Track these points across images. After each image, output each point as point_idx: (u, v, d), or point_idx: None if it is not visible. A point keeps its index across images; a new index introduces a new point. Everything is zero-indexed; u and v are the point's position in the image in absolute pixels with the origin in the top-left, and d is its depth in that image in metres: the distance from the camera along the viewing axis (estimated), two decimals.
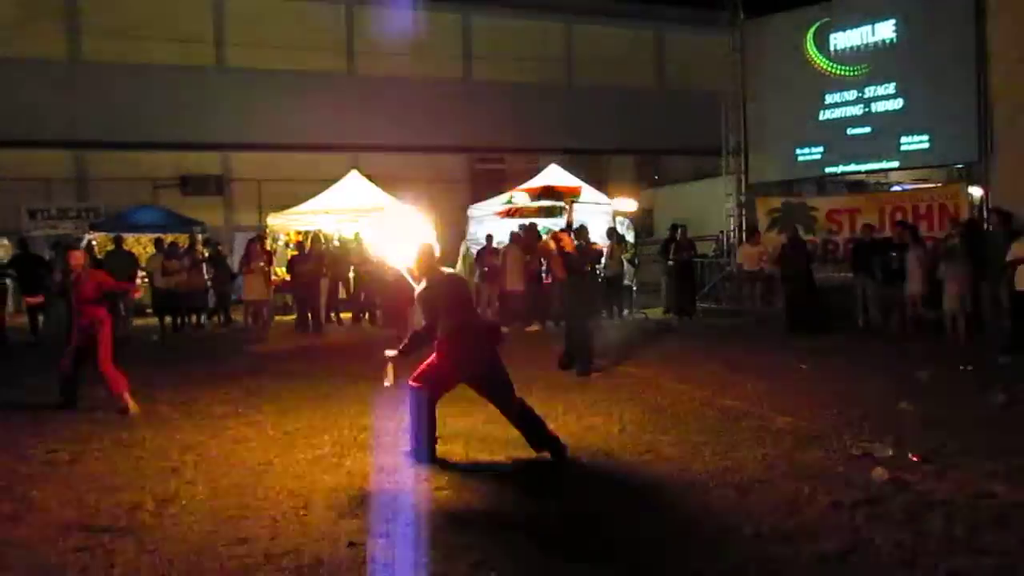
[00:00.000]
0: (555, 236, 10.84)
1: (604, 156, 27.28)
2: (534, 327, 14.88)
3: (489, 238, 16.50)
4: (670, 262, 16.90)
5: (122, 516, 4.94)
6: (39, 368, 10.89)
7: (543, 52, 26.74)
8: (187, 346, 14.23)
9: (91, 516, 4.93)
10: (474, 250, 16.96)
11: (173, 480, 5.69)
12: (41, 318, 14.93)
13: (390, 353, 6.19)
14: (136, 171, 22.22)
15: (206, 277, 16.43)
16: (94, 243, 16.63)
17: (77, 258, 8.51)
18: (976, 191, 15.55)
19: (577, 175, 18.68)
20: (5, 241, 17.44)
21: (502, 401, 6.04)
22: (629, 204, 17.97)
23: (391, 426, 6.84)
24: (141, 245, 18.15)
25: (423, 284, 6.21)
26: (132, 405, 7.91)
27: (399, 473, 5.75)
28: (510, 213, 17.37)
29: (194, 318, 15.97)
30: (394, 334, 13.22)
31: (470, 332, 6.03)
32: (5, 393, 9.28)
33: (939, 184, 18.09)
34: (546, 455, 5.97)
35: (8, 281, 14.86)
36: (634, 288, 17.48)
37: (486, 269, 15.86)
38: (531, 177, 18.79)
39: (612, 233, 16.39)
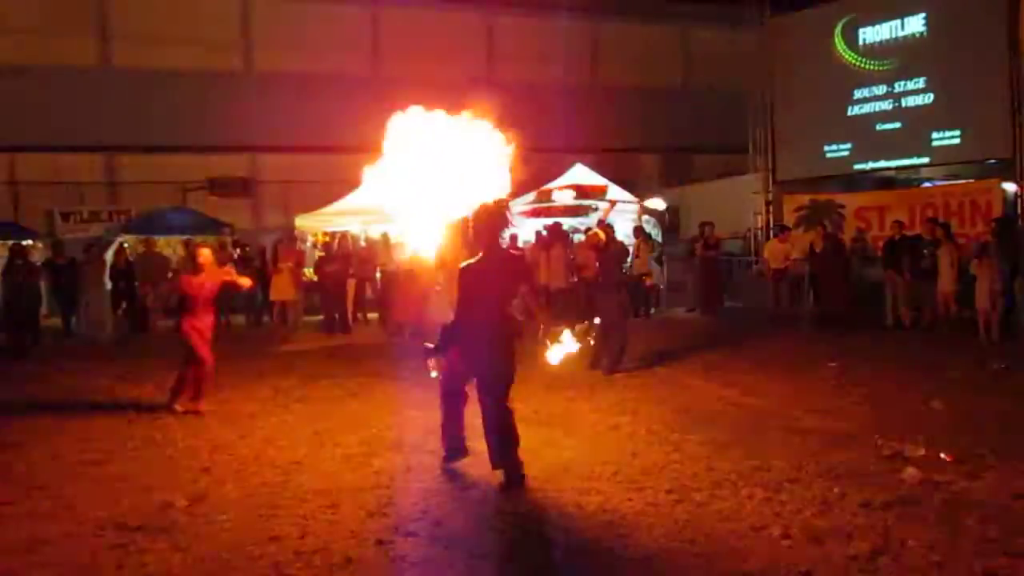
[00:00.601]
0: (604, 228, 10.88)
1: (630, 155, 27.17)
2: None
3: (514, 237, 16.47)
4: (695, 260, 16.80)
5: (154, 515, 5.00)
6: (72, 367, 11.07)
7: (568, 51, 26.66)
8: (216, 347, 14.33)
9: (124, 515, 5.00)
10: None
11: (204, 479, 5.76)
12: (73, 319, 15.15)
13: (429, 346, 5.59)
14: (165, 174, 22.44)
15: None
16: (126, 245, 16.81)
17: (207, 256, 8.21)
18: (1010, 187, 15.31)
19: (603, 174, 18.63)
20: (39, 244, 17.68)
21: (494, 401, 5.39)
22: (658, 203, 17.89)
23: (418, 425, 6.87)
24: (171, 247, 18.33)
25: (475, 258, 5.36)
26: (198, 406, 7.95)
27: (427, 472, 5.78)
28: (536, 212, 17.37)
29: (223, 319, 16.06)
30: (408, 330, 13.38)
31: (506, 327, 5.41)
32: (39, 391, 9.41)
33: (971, 180, 17.85)
34: (499, 476, 5.40)
35: (42, 283, 15.11)
36: (660, 287, 17.39)
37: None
38: (557, 177, 18.78)
39: (639, 232, 16.34)
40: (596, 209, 16.73)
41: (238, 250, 17.44)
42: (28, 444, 6.91)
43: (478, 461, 5.80)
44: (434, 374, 5.60)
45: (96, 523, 4.88)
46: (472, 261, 5.32)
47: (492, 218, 5.31)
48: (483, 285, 5.30)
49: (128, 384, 8.31)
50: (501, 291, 5.37)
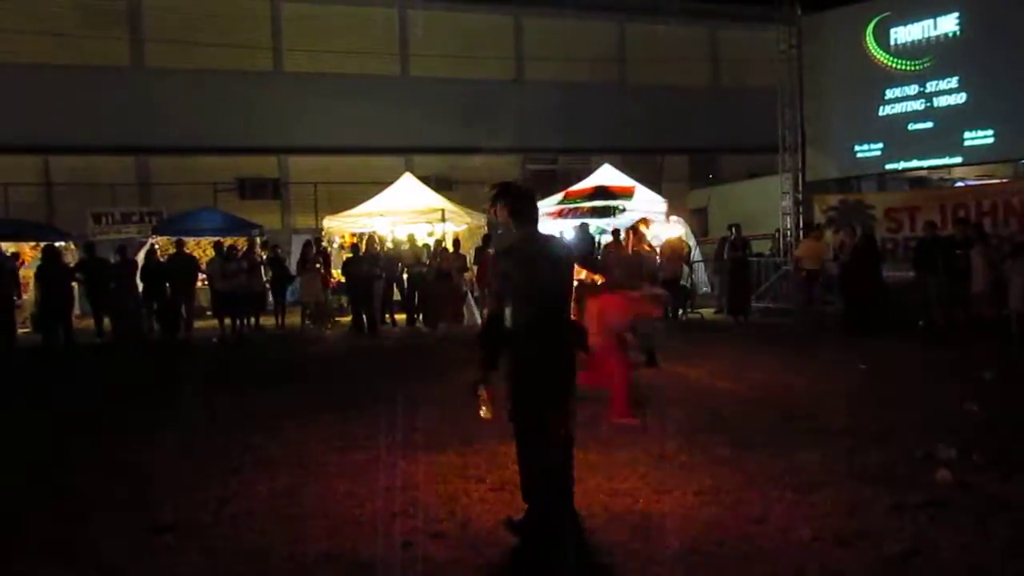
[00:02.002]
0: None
1: (657, 156, 27.09)
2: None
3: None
4: (724, 260, 16.69)
5: (184, 516, 5.04)
6: (106, 370, 11.21)
7: (595, 52, 26.65)
8: (246, 348, 14.50)
9: (154, 516, 5.03)
10: None
11: (233, 481, 5.79)
12: (107, 320, 15.34)
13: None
14: (196, 175, 22.70)
15: (264, 279, 16.71)
16: (157, 247, 17.01)
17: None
18: None
19: (630, 175, 18.58)
20: (72, 245, 17.95)
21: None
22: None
23: (445, 427, 6.88)
24: (201, 248, 18.53)
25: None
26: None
27: (453, 473, 5.78)
28: (562, 213, 17.33)
29: (253, 320, 16.24)
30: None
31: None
32: (72, 393, 9.55)
33: (1005, 180, 17.59)
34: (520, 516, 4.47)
35: (75, 285, 15.32)
36: (689, 288, 17.27)
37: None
38: (584, 177, 18.75)
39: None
40: (623, 210, 16.64)
41: (266, 252, 17.56)
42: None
43: (501, 462, 5.80)
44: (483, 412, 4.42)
45: (125, 524, 4.93)
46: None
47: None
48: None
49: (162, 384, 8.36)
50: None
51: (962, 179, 19.33)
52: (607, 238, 14.24)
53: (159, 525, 4.85)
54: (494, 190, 4.54)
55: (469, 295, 16.35)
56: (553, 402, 4.23)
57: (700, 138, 26.60)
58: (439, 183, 21.96)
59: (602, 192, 17.26)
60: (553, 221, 17.27)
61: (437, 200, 17.99)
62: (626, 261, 10.59)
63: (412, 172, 19.78)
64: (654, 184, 20.63)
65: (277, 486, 5.62)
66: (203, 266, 16.87)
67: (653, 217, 16.28)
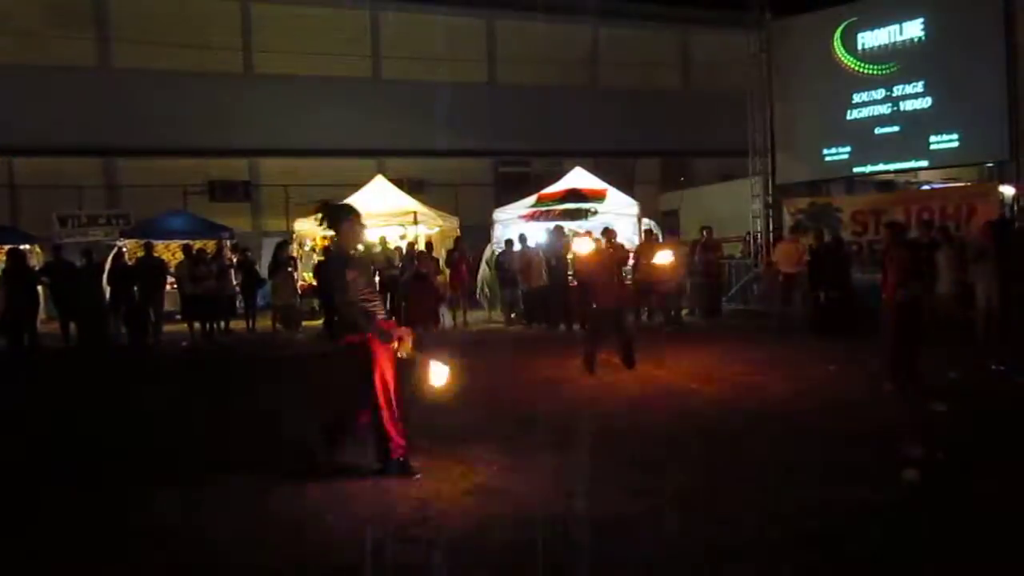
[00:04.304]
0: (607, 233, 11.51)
1: (629, 158, 27.21)
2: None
3: (509, 242, 16.45)
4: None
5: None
6: (72, 374, 11.06)
7: (568, 55, 26.72)
8: (216, 352, 14.36)
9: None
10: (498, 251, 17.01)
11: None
12: (73, 325, 15.12)
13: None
14: (165, 178, 22.43)
15: (235, 283, 16.56)
16: (125, 250, 16.80)
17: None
18: (1008, 190, 15.31)
19: (603, 178, 18.64)
20: (37, 248, 17.68)
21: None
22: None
23: (419, 428, 6.86)
24: (170, 251, 18.32)
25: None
26: None
27: (427, 476, 5.75)
28: (535, 216, 17.35)
29: (223, 324, 16.09)
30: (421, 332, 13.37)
31: None
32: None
33: (969, 183, 17.86)
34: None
35: (40, 288, 15.08)
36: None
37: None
38: (556, 180, 18.79)
39: (649, 235, 16.42)
40: (596, 213, 16.71)
41: (236, 255, 17.42)
42: None
43: (474, 470, 5.80)
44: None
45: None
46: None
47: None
48: None
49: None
50: None
51: (928, 182, 19.60)
52: (579, 240, 14.27)
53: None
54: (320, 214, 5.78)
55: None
56: None
57: (672, 141, 26.75)
58: (411, 185, 21.90)
59: (575, 195, 17.30)
60: (526, 223, 17.30)
61: (409, 203, 17.94)
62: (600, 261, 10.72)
63: (384, 174, 19.71)
64: (626, 187, 20.69)
65: (242, 493, 5.57)
66: (172, 269, 16.69)
67: (624, 220, 16.45)
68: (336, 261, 5.79)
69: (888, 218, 15.39)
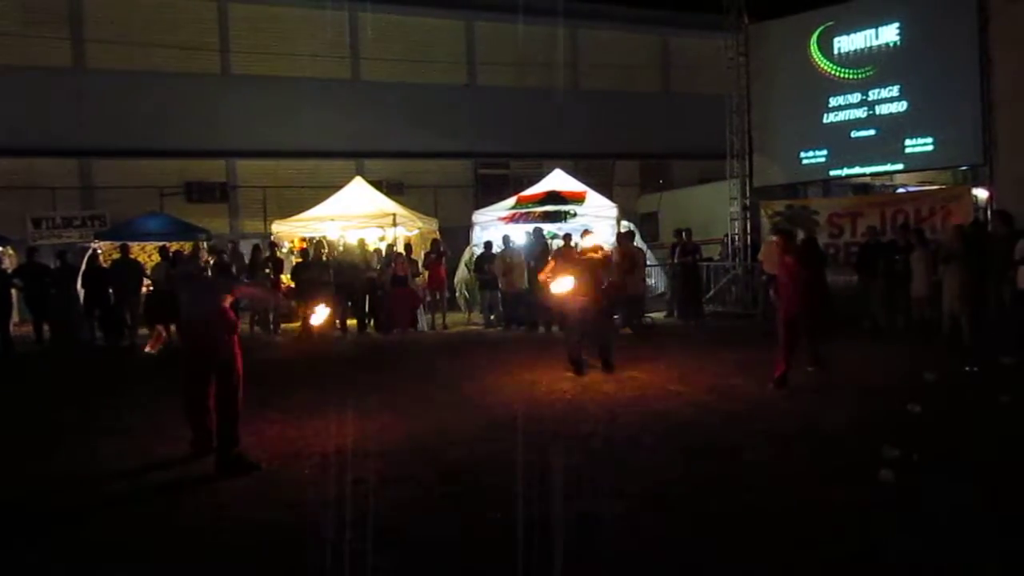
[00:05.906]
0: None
1: (609, 160, 27.27)
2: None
3: (489, 244, 16.42)
4: (672, 264, 16.82)
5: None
6: (48, 374, 10.93)
7: (547, 57, 26.74)
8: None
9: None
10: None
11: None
12: (46, 327, 14.95)
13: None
14: (141, 179, 22.23)
15: None
16: (100, 252, 16.62)
17: None
18: (981, 193, 15.48)
19: (582, 180, 18.67)
20: (11, 250, 17.46)
21: None
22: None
23: (398, 431, 6.83)
24: (146, 253, 18.13)
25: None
26: None
27: (407, 478, 5.74)
28: (515, 218, 17.35)
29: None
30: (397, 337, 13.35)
31: None
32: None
33: (943, 187, 18.04)
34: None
35: (13, 291, 14.90)
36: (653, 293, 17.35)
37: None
38: (536, 182, 18.79)
39: (631, 236, 16.45)
40: (574, 215, 16.72)
41: (212, 257, 17.25)
42: None
43: (453, 471, 5.79)
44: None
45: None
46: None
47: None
48: None
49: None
50: None
51: (903, 185, 19.78)
52: (559, 242, 14.29)
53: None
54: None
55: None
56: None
57: (651, 144, 26.87)
58: (390, 187, 21.86)
59: (554, 197, 17.32)
60: (506, 225, 17.28)
61: (388, 204, 17.88)
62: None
63: (363, 176, 19.64)
64: (605, 189, 20.76)
65: (216, 496, 5.52)
66: (148, 271, 16.51)
67: (603, 223, 16.48)
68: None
69: (865, 221, 15.58)
